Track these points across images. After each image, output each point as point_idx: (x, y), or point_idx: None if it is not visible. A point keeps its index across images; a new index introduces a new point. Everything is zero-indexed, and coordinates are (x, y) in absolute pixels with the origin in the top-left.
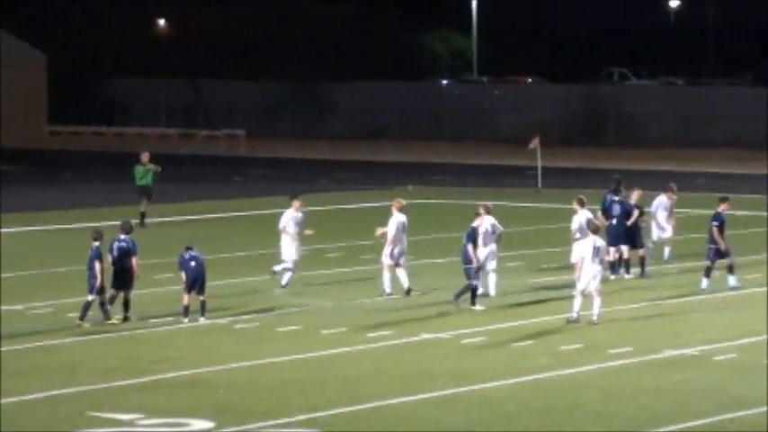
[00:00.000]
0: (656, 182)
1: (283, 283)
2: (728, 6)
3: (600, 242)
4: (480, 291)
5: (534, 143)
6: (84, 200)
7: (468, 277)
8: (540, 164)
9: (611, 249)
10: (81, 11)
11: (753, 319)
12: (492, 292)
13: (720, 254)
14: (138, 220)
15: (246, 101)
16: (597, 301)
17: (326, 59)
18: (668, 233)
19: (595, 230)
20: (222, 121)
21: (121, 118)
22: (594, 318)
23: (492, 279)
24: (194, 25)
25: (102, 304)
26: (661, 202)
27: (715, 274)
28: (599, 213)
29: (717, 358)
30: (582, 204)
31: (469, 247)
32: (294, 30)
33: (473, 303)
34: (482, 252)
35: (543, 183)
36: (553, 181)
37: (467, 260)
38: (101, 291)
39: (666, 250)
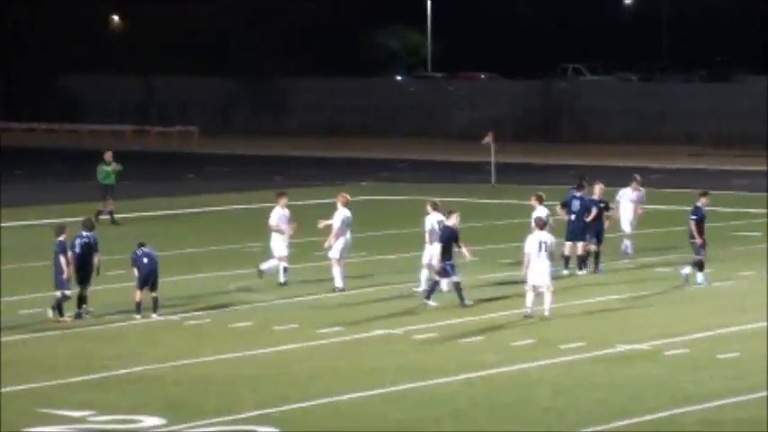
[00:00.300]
0: (609, 177)
1: (264, 267)
2: (683, 2)
3: (546, 237)
4: (422, 288)
5: (488, 139)
6: (37, 197)
7: (436, 273)
8: (493, 160)
9: (568, 244)
10: (33, 7)
11: (703, 315)
12: (444, 288)
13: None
14: (95, 217)
15: (200, 97)
16: (548, 297)
17: (281, 55)
18: (633, 227)
19: (541, 226)
20: (175, 118)
21: (74, 115)
22: (546, 313)
23: None
24: (147, 21)
25: (60, 301)
26: (625, 193)
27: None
28: (558, 207)
29: (669, 353)
30: (540, 201)
31: (435, 245)
32: (248, 25)
33: (428, 297)
34: (429, 250)
35: (497, 179)
36: (507, 177)
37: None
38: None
39: (629, 244)
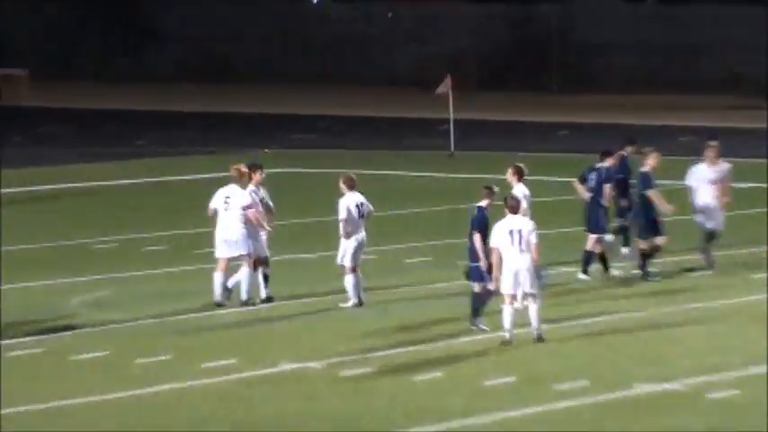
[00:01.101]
0: (617, 140)
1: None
2: None
3: (520, 224)
4: (353, 302)
5: (444, 86)
6: None
7: (472, 279)
8: (452, 116)
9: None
10: None
11: (759, 338)
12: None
13: None
14: None
15: (27, 32)
16: (533, 310)
17: None
18: (719, 216)
19: (513, 209)
20: None
21: None
22: (535, 332)
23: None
24: None
25: None
26: (698, 171)
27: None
28: (575, 183)
29: (712, 396)
30: (520, 175)
31: (476, 237)
32: None
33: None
34: (347, 244)
35: (458, 143)
36: (472, 141)
37: (473, 257)
38: None
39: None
